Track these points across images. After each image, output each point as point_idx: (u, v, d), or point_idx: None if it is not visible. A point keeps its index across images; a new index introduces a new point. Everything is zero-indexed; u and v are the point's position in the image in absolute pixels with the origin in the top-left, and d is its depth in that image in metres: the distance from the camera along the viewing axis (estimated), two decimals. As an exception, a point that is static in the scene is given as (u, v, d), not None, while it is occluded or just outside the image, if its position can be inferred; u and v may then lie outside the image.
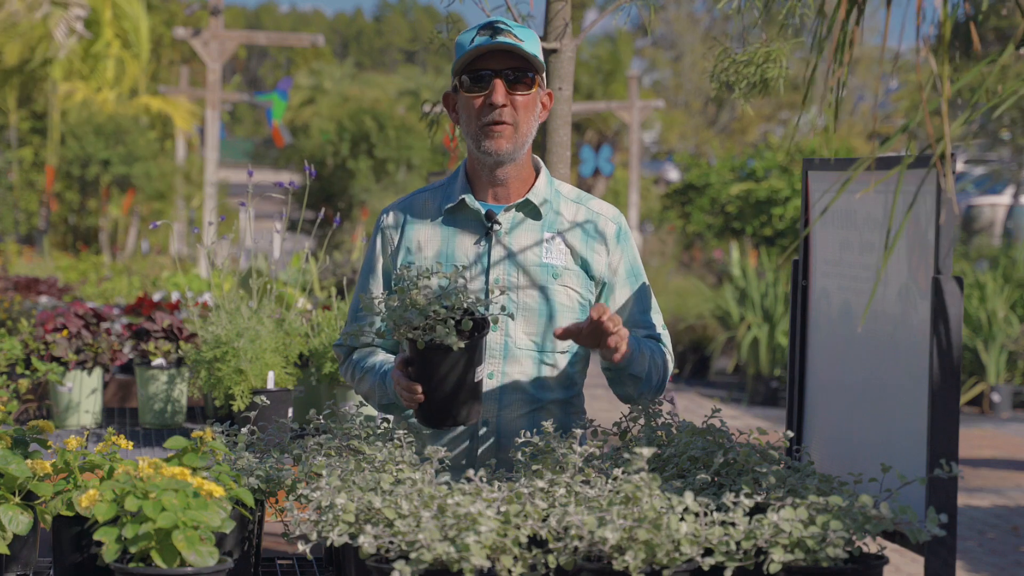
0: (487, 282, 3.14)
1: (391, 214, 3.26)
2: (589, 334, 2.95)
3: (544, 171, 3.23)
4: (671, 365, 3.22)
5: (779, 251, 16.73)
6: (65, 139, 20.22)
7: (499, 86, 3.08)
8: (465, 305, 2.84)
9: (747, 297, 13.63)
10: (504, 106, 3.08)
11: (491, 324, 2.85)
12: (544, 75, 3.16)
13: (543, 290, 3.14)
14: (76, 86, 21.12)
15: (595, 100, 25.21)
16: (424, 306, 2.80)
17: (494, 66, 3.09)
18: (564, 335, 2.95)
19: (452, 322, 2.81)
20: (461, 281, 2.85)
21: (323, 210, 5.47)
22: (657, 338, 3.21)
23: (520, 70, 3.10)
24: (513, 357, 3.14)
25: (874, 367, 2.78)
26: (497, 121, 3.09)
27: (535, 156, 3.25)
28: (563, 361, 3.17)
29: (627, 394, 3.15)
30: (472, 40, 3.09)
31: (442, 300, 2.81)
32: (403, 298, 2.83)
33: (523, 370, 3.15)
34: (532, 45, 3.11)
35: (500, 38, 3.07)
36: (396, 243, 3.22)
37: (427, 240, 3.19)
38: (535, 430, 2.90)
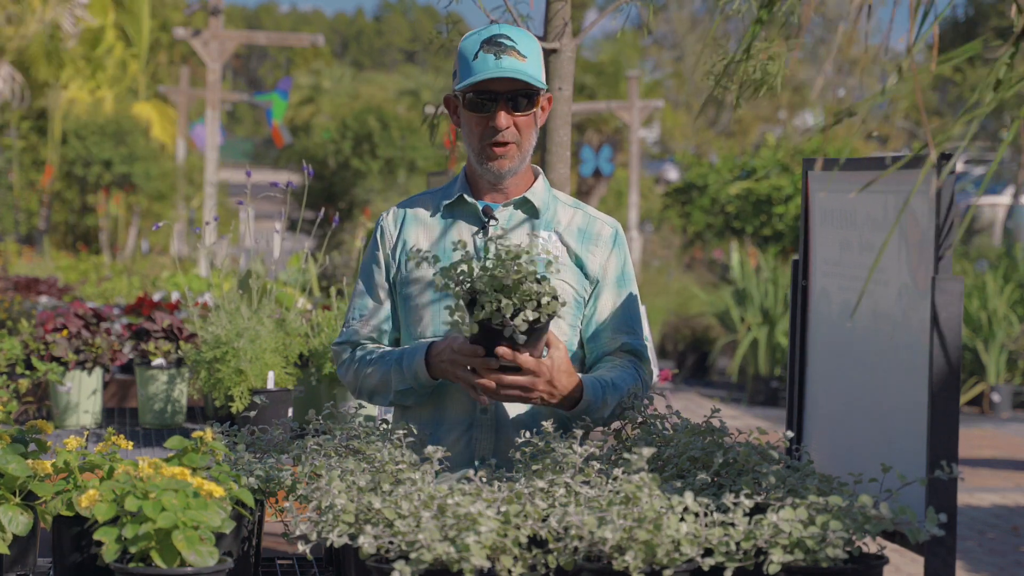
0: None
1: (391, 214, 3.29)
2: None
3: (542, 177, 3.26)
4: (653, 378, 3.23)
5: (779, 251, 16.73)
6: (67, 139, 20.22)
7: (502, 112, 3.09)
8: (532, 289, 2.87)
9: (747, 297, 13.63)
10: (507, 128, 3.10)
11: (557, 306, 2.89)
12: (544, 90, 3.16)
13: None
14: (78, 91, 21.12)
15: (596, 100, 25.21)
16: (512, 285, 2.83)
17: (498, 88, 3.09)
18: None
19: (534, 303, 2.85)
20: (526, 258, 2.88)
21: (323, 210, 5.47)
22: (638, 351, 3.22)
23: (523, 91, 3.10)
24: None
25: (874, 367, 2.78)
26: (500, 143, 3.11)
27: (533, 165, 3.27)
28: None
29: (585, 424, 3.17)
30: (476, 55, 3.08)
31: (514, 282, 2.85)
32: (490, 280, 2.86)
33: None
34: (535, 61, 3.11)
35: (505, 58, 3.06)
36: (395, 240, 3.24)
37: (425, 235, 3.22)
38: (535, 430, 2.90)
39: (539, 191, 3.22)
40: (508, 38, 3.10)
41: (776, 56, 3.60)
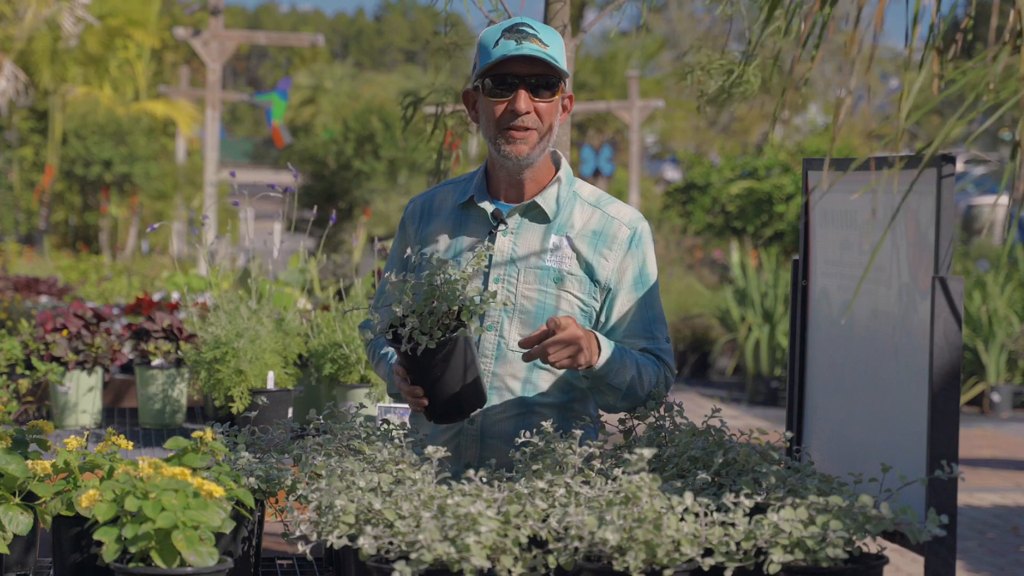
0: (486, 283, 3.13)
1: (414, 205, 3.29)
2: (538, 351, 2.90)
3: (564, 171, 3.19)
4: (670, 378, 3.15)
5: (780, 250, 16.72)
6: (67, 139, 20.22)
7: (523, 94, 3.05)
8: (449, 305, 2.84)
9: (747, 297, 13.62)
10: (527, 113, 3.05)
11: (469, 320, 2.84)
12: (567, 80, 3.12)
13: (542, 294, 3.12)
14: (81, 89, 21.13)
15: (597, 100, 25.22)
16: (406, 312, 2.84)
17: (519, 71, 3.05)
18: (522, 344, 2.93)
19: (428, 323, 2.84)
20: (442, 277, 2.85)
21: (315, 208, 5.49)
22: (657, 352, 3.14)
23: (544, 76, 3.06)
24: (505, 359, 3.12)
25: (874, 367, 2.78)
26: (519, 127, 3.06)
27: (558, 152, 3.22)
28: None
29: (607, 403, 3.10)
30: (497, 42, 3.05)
31: (422, 300, 2.83)
32: (390, 305, 2.88)
33: (514, 372, 3.12)
34: (556, 50, 3.08)
35: (526, 43, 3.03)
36: (415, 234, 3.25)
37: (440, 235, 3.21)
38: (535, 430, 2.89)
39: (553, 191, 3.16)
40: (530, 27, 3.07)
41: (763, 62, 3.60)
